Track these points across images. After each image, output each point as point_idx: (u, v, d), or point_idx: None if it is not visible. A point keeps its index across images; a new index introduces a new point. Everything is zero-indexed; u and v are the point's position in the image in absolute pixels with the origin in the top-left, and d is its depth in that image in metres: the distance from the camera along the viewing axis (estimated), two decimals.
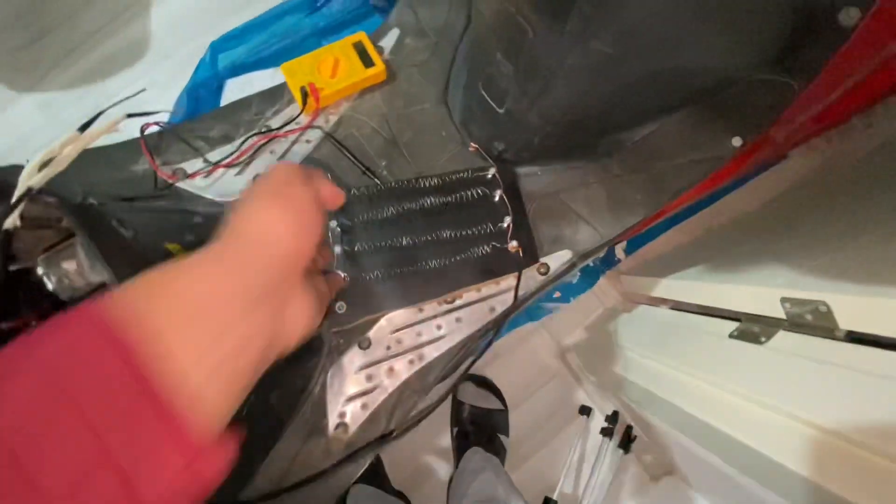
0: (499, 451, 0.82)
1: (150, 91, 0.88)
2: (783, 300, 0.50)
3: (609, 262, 0.89)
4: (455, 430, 0.85)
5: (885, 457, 0.36)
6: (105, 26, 0.88)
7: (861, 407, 0.39)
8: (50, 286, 0.27)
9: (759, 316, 0.54)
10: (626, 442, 0.84)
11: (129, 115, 0.31)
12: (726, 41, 0.29)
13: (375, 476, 0.81)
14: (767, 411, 0.49)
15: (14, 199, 0.26)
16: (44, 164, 0.27)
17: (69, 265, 0.27)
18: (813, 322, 0.47)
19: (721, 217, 0.88)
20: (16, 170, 0.50)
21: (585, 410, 0.88)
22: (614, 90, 0.38)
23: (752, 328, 0.54)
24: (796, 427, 0.43)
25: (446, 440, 0.87)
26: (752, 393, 0.51)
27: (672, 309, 0.78)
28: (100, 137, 0.28)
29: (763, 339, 0.52)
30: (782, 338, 0.51)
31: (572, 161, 0.54)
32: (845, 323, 0.44)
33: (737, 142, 0.42)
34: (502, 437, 0.84)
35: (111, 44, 0.88)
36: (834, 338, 0.45)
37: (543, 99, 0.41)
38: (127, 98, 0.34)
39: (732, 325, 0.58)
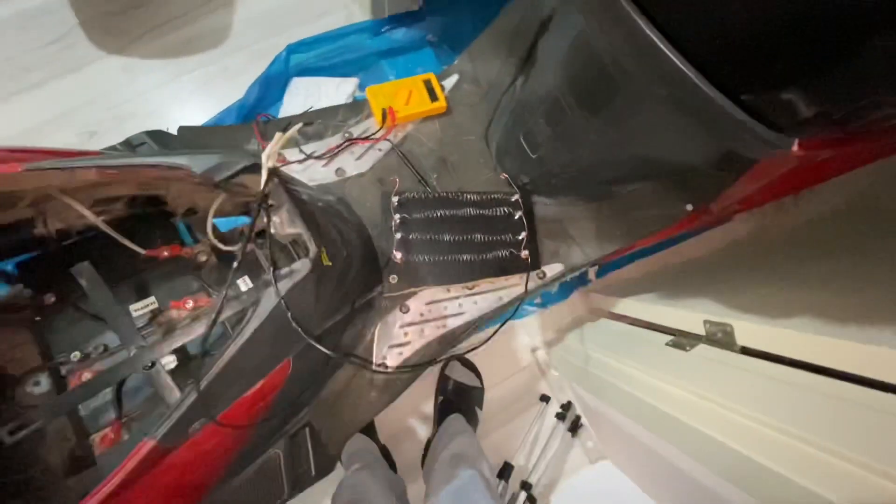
0: (473, 422, 0.99)
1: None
2: (705, 322, 0.70)
3: (583, 280, 1.08)
4: (440, 398, 1.02)
5: (752, 419, 0.56)
6: (193, 11, 1.01)
7: (744, 390, 0.59)
8: (273, 230, 0.42)
9: (688, 332, 0.74)
10: (574, 427, 1.03)
11: (305, 124, 0.46)
12: (689, 158, 0.49)
13: (370, 429, 0.96)
14: (688, 394, 0.69)
15: (265, 178, 0.41)
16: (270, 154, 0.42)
17: (276, 217, 0.42)
18: (722, 339, 0.68)
19: (676, 258, 1.10)
20: (163, 135, 0.64)
21: (545, 398, 1.07)
22: (616, 160, 0.56)
23: (682, 340, 0.74)
24: (709, 407, 0.63)
25: (429, 407, 1.04)
26: (680, 383, 0.70)
27: (622, 321, 0.99)
28: (289, 137, 0.44)
29: (688, 348, 0.72)
30: (702, 348, 0.71)
31: (575, 200, 0.73)
32: (741, 341, 0.65)
33: (689, 207, 0.62)
34: (478, 410, 1.01)
35: (195, 28, 1.01)
36: (733, 350, 0.66)
37: (567, 155, 0.60)
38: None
39: (668, 338, 0.78)
